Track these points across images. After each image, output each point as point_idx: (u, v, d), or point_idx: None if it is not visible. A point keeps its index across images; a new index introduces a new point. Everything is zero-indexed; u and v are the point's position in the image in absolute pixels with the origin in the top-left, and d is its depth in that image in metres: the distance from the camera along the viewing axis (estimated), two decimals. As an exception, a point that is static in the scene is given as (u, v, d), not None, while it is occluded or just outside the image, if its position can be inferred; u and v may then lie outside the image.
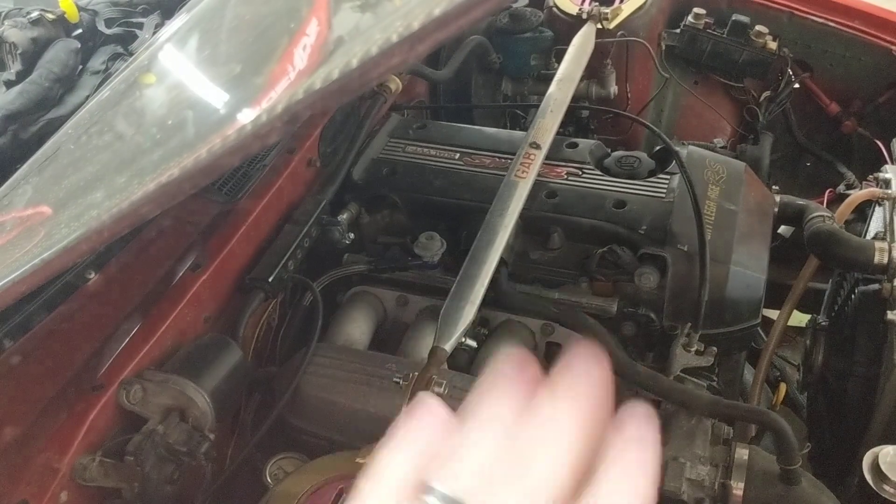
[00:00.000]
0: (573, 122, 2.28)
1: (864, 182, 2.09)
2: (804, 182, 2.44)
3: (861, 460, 1.53)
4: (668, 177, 1.68)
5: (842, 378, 1.75)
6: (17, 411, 1.24)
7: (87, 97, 1.43)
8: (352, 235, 1.70)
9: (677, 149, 1.70)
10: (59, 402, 1.25)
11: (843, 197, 2.24)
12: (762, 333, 1.88)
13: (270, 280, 1.50)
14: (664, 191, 1.65)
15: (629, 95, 2.32)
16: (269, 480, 1.34)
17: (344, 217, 1.71)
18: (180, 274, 1.43)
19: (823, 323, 1.88)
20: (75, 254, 0.75)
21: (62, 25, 1.64)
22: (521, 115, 2.36)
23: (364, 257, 1.70)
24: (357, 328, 1.60)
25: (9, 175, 1.28)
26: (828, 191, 2.27)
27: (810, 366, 1.86)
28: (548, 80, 1.98)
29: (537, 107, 1.85)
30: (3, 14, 1.59)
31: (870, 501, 1.42)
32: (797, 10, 2.27)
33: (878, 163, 2.28)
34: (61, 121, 1.33)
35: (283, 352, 1.59)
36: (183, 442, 1.24)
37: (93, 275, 1.36)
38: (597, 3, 2.28)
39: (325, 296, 1.58)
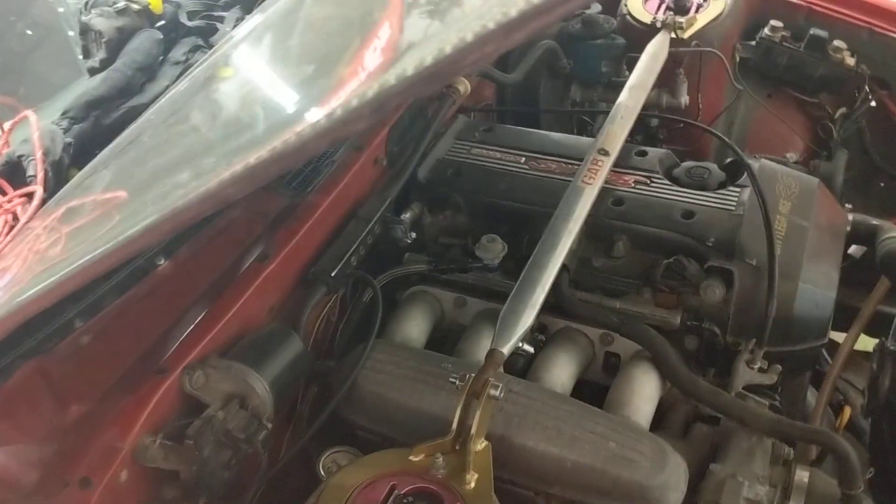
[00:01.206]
0: (642, 131, 2.25)
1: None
2: (877, 202, 2.37)
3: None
4: (739, 189, 1.65)
5: (910, 405, 1.70)
6: (84, 390, 1.27)
7: (168, 87, 1.46)
8: (413, 235, 1.70)
9: (749, 161, 1.66)
10: (124, 384, 1.28)
11: (916, 220, 2.18)
12: (827, 356, 1.83)
13: (333, 274, 1.51)
14: (734, 203, 1.62)
15: (700, 106, 2.28)
16: (323, 473, 1.35)
17: (407, 216, 1.72)
18: (247, 264, 1.45)
19: (892, 347, 1.83)
20: (159, 233, 0.77)
21: (146, 16, 1.68)
22: (588, 121, 2.34)
23: (424, 257, 1.71)
24: (415, 327, 1.61)
25: (90, 159, 1.32)
26: (901, 213, 2.20)
27: (876, 390, 1.80)
28: (618, 87, 1.96)
29: (607, 113, 1.83)
30: (90, 3, 1.64)
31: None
32: (877, 26, 2.21)
33: (958, 186, 2.21)
34: (142, 108, 1.36)
35: (341, 347, 1.60)
36: (242, 429, 1.26)
37: (162, 261, 1.40)
38: (671, 12, 2.25)
39: (385, 293, 1.59)
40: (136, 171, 1.01)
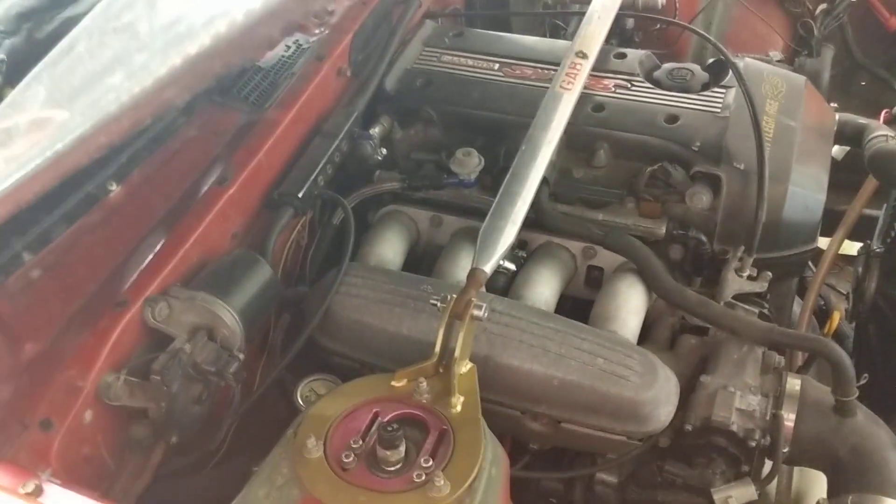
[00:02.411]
0: (617, 34, 2.15)
1: (926, 101, 1.97)
2: (858, 101, 2.31)
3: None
4: (724, 91, 1.57)
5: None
6: (38, 327, 1.18)
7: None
8: (384, 151, 1.61)
9: (734, 61, 1.58)
10: (81, 319, 1.19)
11: (899, 117, 2.13)
12: (810, 262, 1.79)
13: (300, 195, 1.42)
14: (719, 105, 1.54)
15: (677, 6, 2.19)
16: (301, 402, 1.29)
17: (376, 131, 1.62)
18: (206, 188, 1.36)
19: (878, 250, 1.79)
20: (94, 145, 0.67)
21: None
22: (561, 25, 2.23)
23: (397, 174, 1.62)
24: (390, 248, 1.53)
25: (24, 76, 1.20)
26: (884, 111, 2.14)
27: (861, 294, 1.78)
28: (592, -14, 1.85)
29: (582, 15, 1.73)
30: None
31: (926, 433, 1.36)
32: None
33: (939, 81, 2.15)
34: (79, 18, 1.24)
35: (313, 272, 1.52)
36: (211, 361, 1.18)
37: (115, 187, 1.30)
38: None
39: (356, 214, 1.51)
40: (70, 81, 0.91)
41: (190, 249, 1.29)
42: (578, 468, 1.45)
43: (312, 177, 1.45)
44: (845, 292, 1.96)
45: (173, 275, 1.26)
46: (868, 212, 1.84)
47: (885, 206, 1.90)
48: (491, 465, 1.08)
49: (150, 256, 1.26)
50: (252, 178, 1.41)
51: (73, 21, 1.28)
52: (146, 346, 1.21)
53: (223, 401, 1.25)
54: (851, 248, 1.93)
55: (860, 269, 1.82)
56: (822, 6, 2.20)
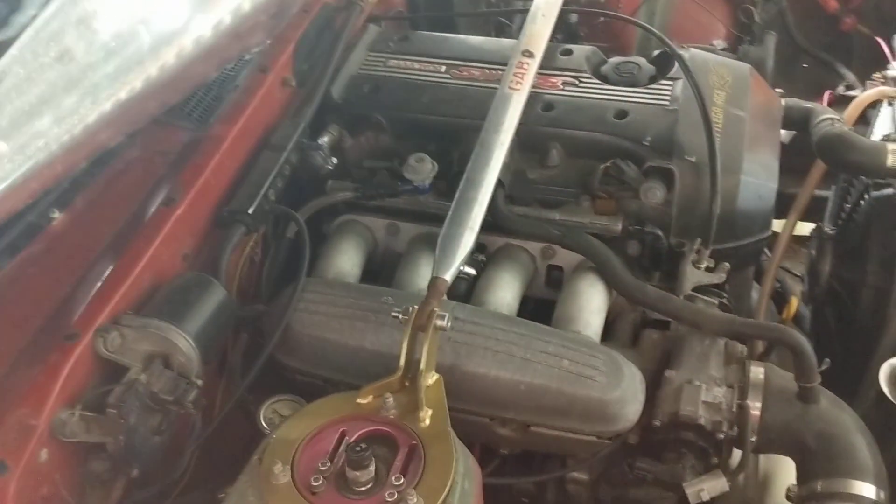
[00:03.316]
0: (562, 30, 2.14)
1: (867, 82, 2.00)
2: (802, 85, 2.34)
3: (874, 372, 1.48)
4: (671, 83, 1.57)
5: (852, 288, 1.69)
6: (-16, 366, 1.14)
7: (35, 16, 1.29)
8: (335, 160, 1.58)
9: (679, 52, 1.58)
10: (30, 354, 1.14)
11: (843, 99, 2.15)
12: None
13: (251, 212, 1.39)
14: (668, 98, 1.54)
15: (619, -1, 2.19)
16: (265, 425, 1.26)
17: (325, 140, 1.59)
18: (153, 209, 1.32)
19: (829, 231, 1.82)
20: (25, 193, 0.64)
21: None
22: (506, 22, 2.22)
23: (349, 184, 1.59)
24: (347, 260, 1.50)
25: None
26: (827, 93, 2.17)
27: (817, 276, 1.80)
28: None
29: (526, 12, 1.71)
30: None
31: (888, 414, 1.38)
32: None
33: (879, 62, 2.18)
34: (9, 43, 1.19)
35: (269, 289, 1.49)
36: (169, 390, 1.15)
37: (56, 214, 1.25)
38: None
39: (310, 227, 1.47)
40: None
41: (140, 274, 1.24)
42: (549, 469, 1.44)
43: (262, 192, 1.41)
44: (800, 275, 1.98)
45: (124, 302, 1.21)
46: (818, 192, 1.87)
47: (833, 187, 1.93)
48: (463, 478, 1.06)
49: (99, 284, 1.22)
50: (200, 197, 1.37)
51: (2, 46, 1.24)
52: (99, 379, 1.17)
53: (183, 428, 1.22)
54: (803, 228, 1.95)
55: (814, 252, 1.84)
56: (763, -9, 2.23)
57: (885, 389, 1.40)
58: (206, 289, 1.27)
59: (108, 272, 1.24)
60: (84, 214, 1.27)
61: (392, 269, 1.54)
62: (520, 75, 1.52)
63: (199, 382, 1.18)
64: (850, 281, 1.69)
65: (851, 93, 2.16)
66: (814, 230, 1.87)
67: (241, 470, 1.05)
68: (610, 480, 1.41)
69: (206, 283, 1.28)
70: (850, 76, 2.21)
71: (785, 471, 1.41)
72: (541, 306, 1.50)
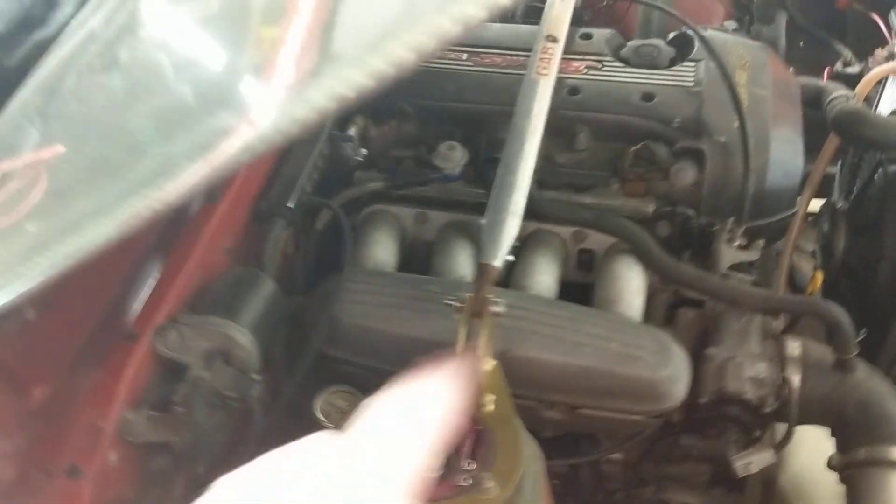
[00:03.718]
0: (568, 14, 2.15)
1: (869, 58, 2.04)
2: (799, 63, 2.38)
3: (893, 342, 1.53)
4: (693, 64, 1.60)
5: (868, 261, 1.73)
6: (43, 370, 1.13)
7: (73, 14, 1.27)
8: (364, 151, 1.58)
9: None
10: (89, 356, 1.14)
11: (841, 76, 2.20)
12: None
13: (291, 205, 1.39)
14: (691, 80, 1.56)
15: (623, -19, 2.21)
16: (322, 417, 1.26)
17: (353, 131, 1.59)
18: (195, 206, 1.31)
19: (841, 206, 1.86)
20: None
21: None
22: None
23: (376, 174, 1.60)
24: (383, 250, 1.51)
25: (-1, 108, 1.13)
26: (826, 69, 2.21)
27: (830, 251, 1.84)
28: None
29: None
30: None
31: (912, 382, 1.42)
32: None
33: (874, 38, 2.23)
34: (50, 41, 1.18)
35: (304, 281, 1.49)
36: (232, 386, 1.15)
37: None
38: None
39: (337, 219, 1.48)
40: (66, 134, 0.87)
41: (190, 272, 1.24)
42: (586, 450, 1.47)
43: (300, 184, 1.42)
44: (811, 250, 2.02)
45: (178, 300, 1.21)
46: (830, 169, 1.90)
47: (839, 163, 1.97)
48: (531, 461, 1.08)
49: (151, 283, 1.22)
50: (240, 192, 1.37)
51: (42, 45, 1.22)
52: (160, 378, 1.17)
53: (244, 424, 1.22)
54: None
55: (825, 227, 1.88)
56: (760, -29, 2.26)
57: (912, 358, 1.45)
58: (257, 283, 1.27)
59: (158, 271, 1.23)
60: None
61: (422, 257, 1.55)
62: (545, 60, 1.53)
63: (259, 378, 1.19)
64: (866, 254, 1.73)
65: (849, 70, 2.21)
66: (824, 206, 1.91)
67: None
68: (654, 458, 1.44)
69: (256, 278, 1.28)
70: (847, 53, 2.25)
71: (805, 439, 1.45)
72: (570, 289, 1.52)
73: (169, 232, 1.29)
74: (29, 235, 0.74)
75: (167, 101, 0.86)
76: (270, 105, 0.72)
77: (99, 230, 0.65)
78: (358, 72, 0.56)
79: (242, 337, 1.18)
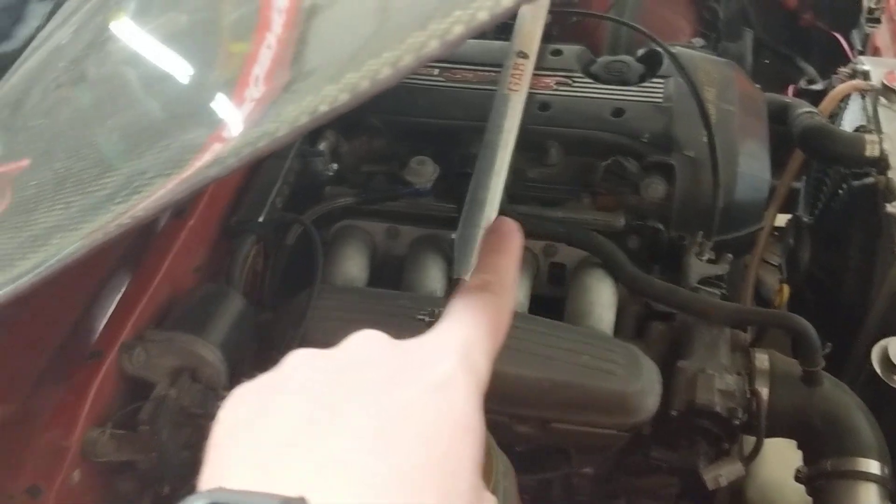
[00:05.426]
0: (537, 30, 2.17)
1: (833, 76, 2.08)
2: (763, 80, 2.41)
3: (859, 353, 1.54)
4: (662, 80, 1.61)
5: (834, 273, 1.76)
6: (4, 388, 1.11)
7: (38, 27, 1.26)
8: (335, 166, 1.57)
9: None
10: (52, 375, 1.12)
11: (805, 93, 2.24)
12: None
13: (261, 220, 1.38)
14: (661, 96, 1.58)
15: (592, -1, 2.23)
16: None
17: (324, 146, 1.58)
18: (163, 222, 1.30)
19: (807, 220, 1.88)
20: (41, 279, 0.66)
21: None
22: None
23: (347, 189, 1.59)
24: (354, 265, 1.50)
25: (-39, 123, 1.11)
26: (790, 87, 2.25)
27: (796, 264, 1.86)
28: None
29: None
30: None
31: (880, 394, 1.44)
32: None
33: (836, 56, 2.27)
34: (14, 56, 1.16)
35: (270, 297, 1.48)
36: (198, 404, 1.14)
37: (65, 229, 1.22)
38: None
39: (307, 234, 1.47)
40: (31, 148, 0.86)
41: (157, 288, 1.23)
42: (555, 465, 1.46)
43: (270, 200, 1.41)
44: (776, 264, 2.05)
45: (144, 317, 1.20)
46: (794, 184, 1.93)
47: (803, 178, 2.00)
48: (504, 476, 1.08)
49: (117, 300, 1.20)
50: (209, 208, 1.36)
51: (7, 58, 1.21)
52: (125, 396, 1.15)
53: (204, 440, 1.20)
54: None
55: (791, 241, 1.90)
56: (724, -11, 2.29)
57: (878, 370, 1.46)
58: (226, 299, 1.26)
59: (124, 287, 1.22)
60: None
61: (392, 272, 1.54)
62: (517, 76, 1.52)
63: (226, 395, 1.17)
64: (832, 266, 1.76)
65: (813, 87, 2.24)
66: (790, 220, 1.94)
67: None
68: (625, 471, 1.44)
69: (224, 294, 1.27)
70: (811, 70, 2.29)
71: (771, 451, 1.47)
72: (540, 303, 1.52)
73: (136, 247, 1.27)
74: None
75: (136, 116, 0.85)
76: (241, 120, 0.71)
77: (63, 246, 0.63)
78: (334, 87, 0.56)
79: (210, 353, 1.17)
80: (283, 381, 0.52)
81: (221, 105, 0.78)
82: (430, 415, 0.49)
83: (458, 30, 0.52)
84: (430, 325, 1.18)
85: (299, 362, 0.53)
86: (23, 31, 1.27)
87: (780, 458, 1.48)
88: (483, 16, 0.51)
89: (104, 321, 1.17)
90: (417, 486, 0.44)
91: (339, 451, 0.45)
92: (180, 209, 1.31)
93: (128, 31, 1.00)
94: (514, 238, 0.68)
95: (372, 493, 0.43)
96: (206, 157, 0.64)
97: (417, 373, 0.52)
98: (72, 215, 0.68)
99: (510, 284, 0.65)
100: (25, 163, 0.94)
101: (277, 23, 0.83)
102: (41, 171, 0.81)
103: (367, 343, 0.56)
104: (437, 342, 0.56)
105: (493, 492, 1.03)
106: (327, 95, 0.57)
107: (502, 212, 1.47)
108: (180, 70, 0.88)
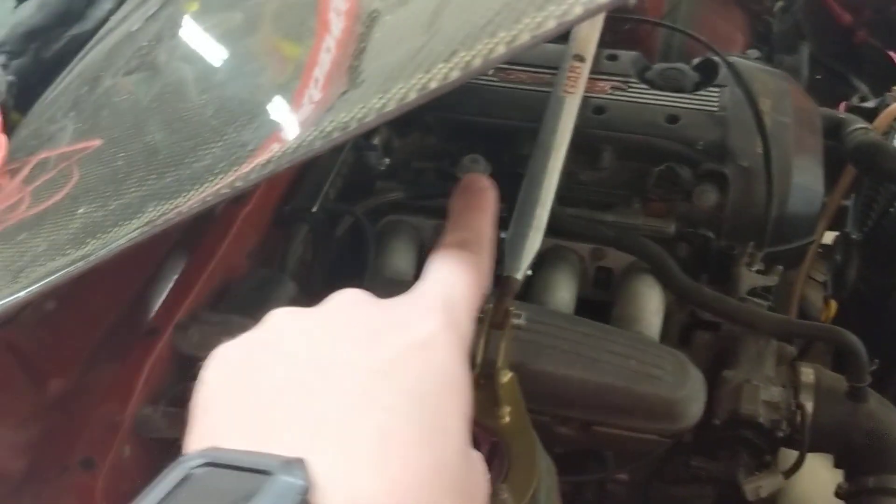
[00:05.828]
0: (590, 36, 2.17)
1: (887, 94, 2.06)
2: (815, 96, 2.39)
3: (903, 375, 1.53)
4: (718, 90, 1.61)
5: (881, 291, 1.74)
6: (61, 362, 1.13)
7: (111, 10, 1.28)
8: (387, 160, 1.59)
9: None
10: (109, 350, 1.14)
11: (857, 110, 2.21)
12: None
13: (315, 209, 1.39)
14: (716, 105, 1.57)
15: (646, 6, 2.22)
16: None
17: (377, 141, 1.60)
18: (221, 207, 1.32)
19: (855, 237, 1.87)
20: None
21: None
22: None
23: (396, 184, 1.60)
24: (403, 260, 1.51)
25: (32, 99, 1.14)
26: (842, 104, 2.23)
27: (843, 281, 1.84)
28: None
29: None
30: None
31: (924, 414, 1.42)
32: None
33: (889, 73, 2.25)
34: (86, 37, 1.19)
35: (320, 287, 1.49)
36: None
37: (125, 209, 1.24)
38: None
39: (356, 227, 1.48)
40: (97, 132, 0.88)
41: (213, 272, 1.25)
42: (590, 468, 1.46)
43: (324, 191, 1.42)
44: (821, 280, 2.03)
45: (199, 299, 1.22)
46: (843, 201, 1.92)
47: (852, 195, 1.98)
48: (546, 474, 1.08)
49: (173, 281, 1.22)
50: (265, 195, 1.37)
51: (79, 39, 1.23)
52: (178, 375, 1.17)
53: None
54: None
55: (839, 258, 1.89)
56: (780, 3, 2.28)
57: (927, 390, 1.45)
58: (280, 286, 1.28)
59: (181, 269, 1.24)
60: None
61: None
62: (573, 79, 1.53)
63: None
64: (880, 284, 1.74)
65: (866, 104, 2.22)
66: (838, 237, 1.92)
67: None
68: (664, 478, 1.44)
69: (278, 280, 1.28)
70: (863, 87, 2.27)
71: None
72: (584, 306, 1.52)
73: (193, 230, 1.29)
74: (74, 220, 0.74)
75: (195, 112, 0.87)
76: (297, 122, 0.72)
77: (158, 215, 0.65)
78: (383, 97, 0.57)
79: (263, 337, 1.18)
80: (268, 341, 0.53)
81: (278, 107, 0.80)
82: (415, 372, 0.49)
83: (502, 50, 0.53)
84: (477, 320, 1.20)
85: (282, 321, 0.54)
86: (96, 14, 1.29)
87: (813, 472, 1.47)
88: (551, 24, 0.52)
89: (161, 301, 1.19)
90: (407, 443, 0.45)
91: (327, 411, 0.45)
92: (241, 195, 1.33)
93: (197, 27, 1.02)
94: (488, 195, 0.67)
95: (364, 452, 0.43)
96: (261, 158, 0.65)
97: (401, 331, 0.52)
98: (167, 184, 0.69)
99: (487, 242, 0.64)
100: (96, 143, 0.96)
101: (337, 28, 0.84)
102: (130, 144, 0.83)
103: (349, 302, 0.56)
104: (418, 301, 0.56)
105: (536, 490, 1.04)
106: (377, 105, 0.58)
107: (552, 213, 1.49)
108: (240, 70, 0.90)
